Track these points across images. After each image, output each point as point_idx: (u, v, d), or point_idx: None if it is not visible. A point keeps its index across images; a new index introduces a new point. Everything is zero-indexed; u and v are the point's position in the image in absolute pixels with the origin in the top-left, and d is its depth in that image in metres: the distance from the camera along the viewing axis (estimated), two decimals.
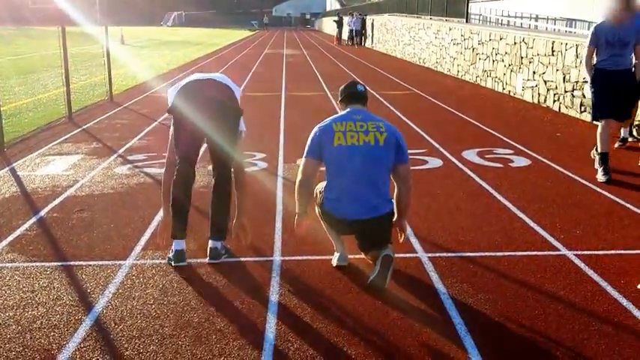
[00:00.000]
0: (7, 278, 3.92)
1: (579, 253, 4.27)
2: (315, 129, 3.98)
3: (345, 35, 37.74)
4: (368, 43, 33.82)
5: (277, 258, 4.21)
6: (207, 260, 4.10)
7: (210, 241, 4.14)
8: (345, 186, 3.85)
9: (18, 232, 4.77)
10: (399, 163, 3.93)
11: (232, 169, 4.20)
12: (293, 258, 4.17)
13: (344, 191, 3.85)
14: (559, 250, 4.33)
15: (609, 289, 3.71)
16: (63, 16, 10.25)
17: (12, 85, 14.24)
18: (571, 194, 5.70)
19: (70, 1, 10.75)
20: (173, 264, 4.06)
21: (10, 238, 4.62)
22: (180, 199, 4.10)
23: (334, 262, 4.04)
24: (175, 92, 4.14)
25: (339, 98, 4.22)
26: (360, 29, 34.29)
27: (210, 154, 4.26)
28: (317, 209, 4.02)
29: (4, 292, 3.73)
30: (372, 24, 32.71)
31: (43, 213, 5.24)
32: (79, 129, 9.28)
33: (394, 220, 3.97)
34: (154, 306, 3.52)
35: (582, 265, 4.06)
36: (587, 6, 15.32)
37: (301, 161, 4.01)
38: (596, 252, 4.29)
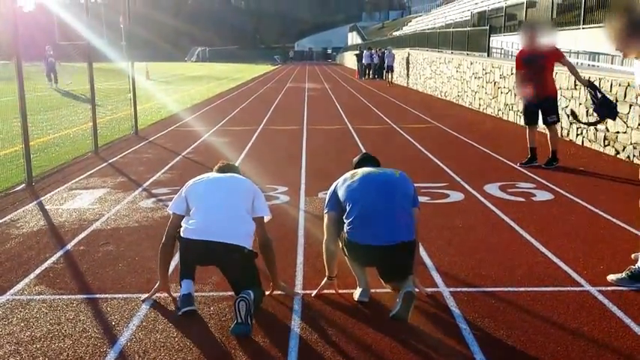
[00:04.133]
0: (35, 310, 4.00)
1: (603, 289, 4.23)
2: (332, 185, 4.15)
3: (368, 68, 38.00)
4: (398, 80, 31.61)
5: (299, 291, 4.24)
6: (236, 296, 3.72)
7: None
8: (366, 211, 3.90)
9: (45, 265, 4.87)
10: (412, 206, 4.06)
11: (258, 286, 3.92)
12: (315, 291, 4.18)
13: (366, 217, 3.89)
14: (582, 286, 4.30)
15: (633, 325, 3.67)
16: (90, 52, 10.54)
17: (40, 120, 14.58)
18: (594, 229, 5.66)
19: (97, 37, 11.05)
20: (181, 310, 3.85)
21: (37, 271, 4.71)
22: (188, 258, 3.98)
23: (356, 297, 4.06)
24: (180, 241, 3.98)
25: (353, 166, 4.34)
26: (391, 64, 30.63)
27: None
28: (342, 247, 4.06)
29: (31, 324, 3.80)
30: (407, 59, 29.22)
31: (69, 246, 5.34)
32: (105, 163, 9.46)
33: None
34: (177, 339, 3.56)
35: (606, 302, 4.02)
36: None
37: (324, 219, 4.14)
38: (619, 288, 4.24)
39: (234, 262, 3.87)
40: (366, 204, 3.92)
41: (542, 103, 8.35)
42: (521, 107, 10.72)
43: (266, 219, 4.15)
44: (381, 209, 3.90)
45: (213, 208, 3.99)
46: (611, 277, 4.32)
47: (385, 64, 31.25)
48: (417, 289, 3.95)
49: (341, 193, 4.04)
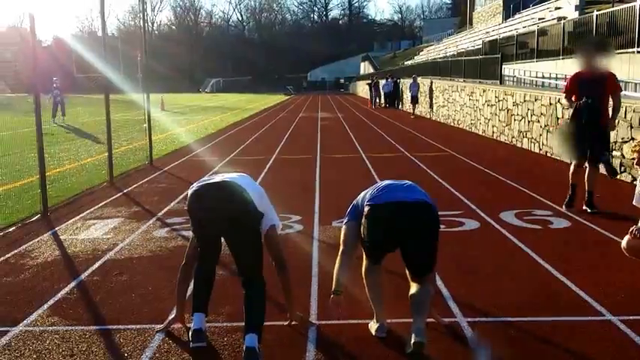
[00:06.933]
0: (47, 342, 3.97)
1: (624, 318, 4.14)
2: (354, 201, 4.06)
3: (381, 98, 38.07)
4: (422, 109, 29.31)
5: (314, 321, 4.17)
6: None
7: (245, 337, 3.56)
8: (388, 187, 3.88)
9: (59, 295, 4.85)
10: None
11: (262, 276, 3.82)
12: (329, 322, 4.12)
13: (387, 188, 3.86)
14: (603, 315, 4.20)
15: None
16: (107, 85, 10.68)
17: (56, 151, 14.72)
18: (613, 257, 5.55)
19: (114, 70, 11.20)
20: (191, 345, 3.78)
21: (50, 302, 4.70)
22: (200, 289, 3.93)
23: (372, 332, 3.97)
24: (188, 195, 3.91)
25: None
26: (415, 94, 27.85)
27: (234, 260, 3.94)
28: (362, 232, 3.87)
29: (44, 356, 3.77)
30: (431, 87, 26.67)
31: (83, 276, 5.33)
32: (120, 193, 9.49)
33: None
34: None
35: (628, 331, 3.92)
36: (623, 66, 15.30)
37: (342, 231, 4.05)
38: None
39: (240, 215, 3.74)
40: (386, 188, 3.88)
41: (595, 135, 7.22)
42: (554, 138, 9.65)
43: (278, 230, 4.10)
44: (403, 187, 3.88)
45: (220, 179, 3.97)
46: None
47: (410, 94, 28.56)
48: (433, 319, 3.88)
49: (362, 202, 3.95)
